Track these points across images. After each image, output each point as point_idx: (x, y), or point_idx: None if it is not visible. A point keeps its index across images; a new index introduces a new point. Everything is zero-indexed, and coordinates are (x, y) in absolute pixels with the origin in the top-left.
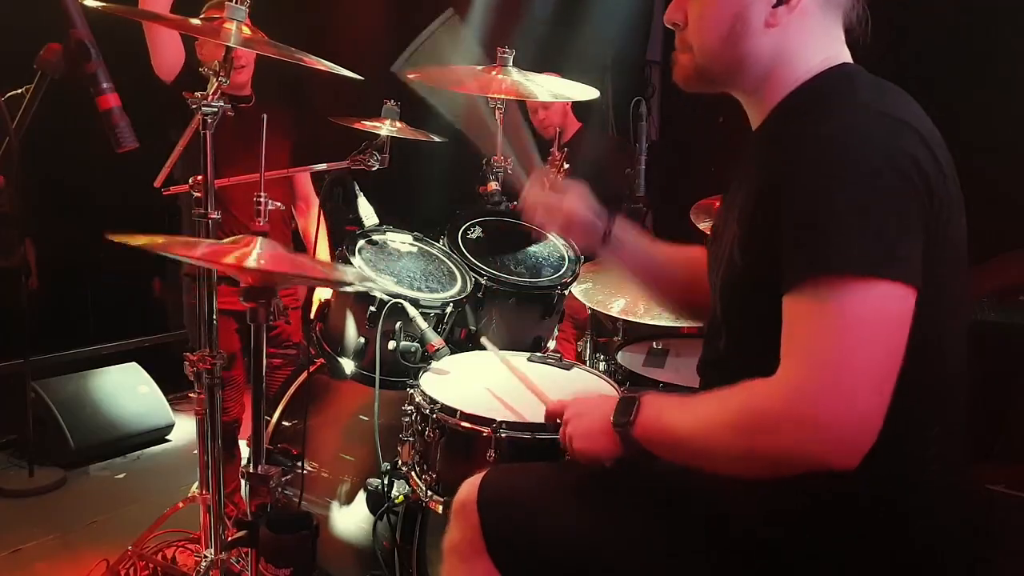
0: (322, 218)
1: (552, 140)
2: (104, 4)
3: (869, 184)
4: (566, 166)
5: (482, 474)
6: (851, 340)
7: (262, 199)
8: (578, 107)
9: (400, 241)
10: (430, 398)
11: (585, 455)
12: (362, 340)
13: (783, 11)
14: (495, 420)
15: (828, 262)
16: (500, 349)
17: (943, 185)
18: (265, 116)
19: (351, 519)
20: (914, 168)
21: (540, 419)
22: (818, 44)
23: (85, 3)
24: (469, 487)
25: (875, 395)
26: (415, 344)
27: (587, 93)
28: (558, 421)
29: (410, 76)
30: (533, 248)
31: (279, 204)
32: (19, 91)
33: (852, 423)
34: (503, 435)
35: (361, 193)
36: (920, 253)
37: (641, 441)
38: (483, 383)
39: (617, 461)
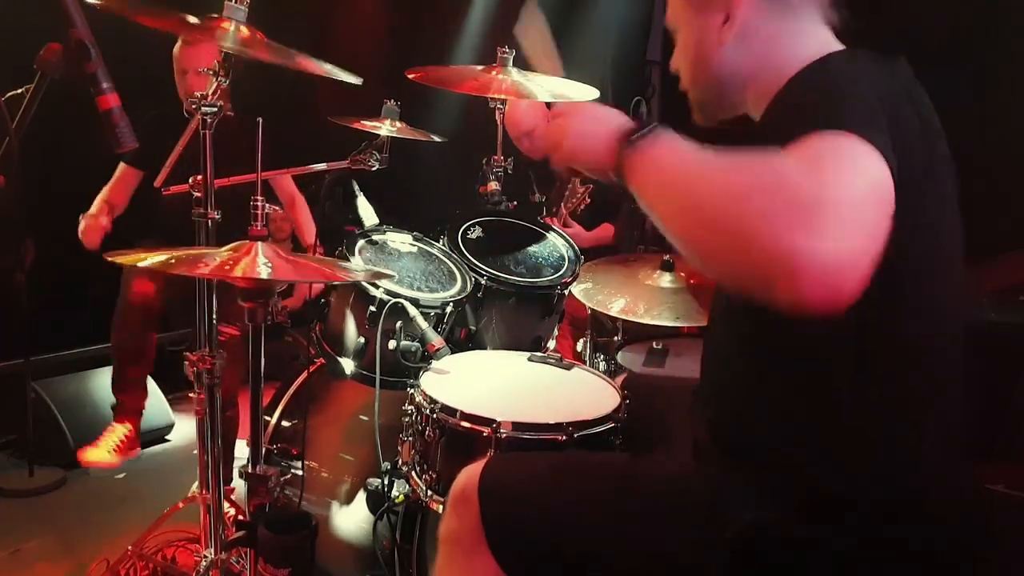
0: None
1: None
2: (104, 3)
3: (843, 95)
4: (588, 200)
5: (482, 462)
6: (852, 172)
7: (259, 203)
8: None
9: (400, 241)
10: (430, 398)
11: (573, 155)
12: (362, 340)
13: (727, 28)
14: (495, 420)
15: (814, 122)
16: (500, 349)
17: (924, 140)
18: (260, 120)
19: (351, 519)
20: (885, 104)
21: (540, 419)
22: (791, 48)
23: (86, 1)
24: (468, 475)
25: (870, 233)
26: (415, 344)
27: (587, 93)
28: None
29: (410, 76)
30: (533, 248)
31: (276, 207)
32: (19, 91)
33: (846, 237)
34: (503, 435)
35: (361, 193)
36: (894, 160)
37: (638, 164)
38: (483, 383)
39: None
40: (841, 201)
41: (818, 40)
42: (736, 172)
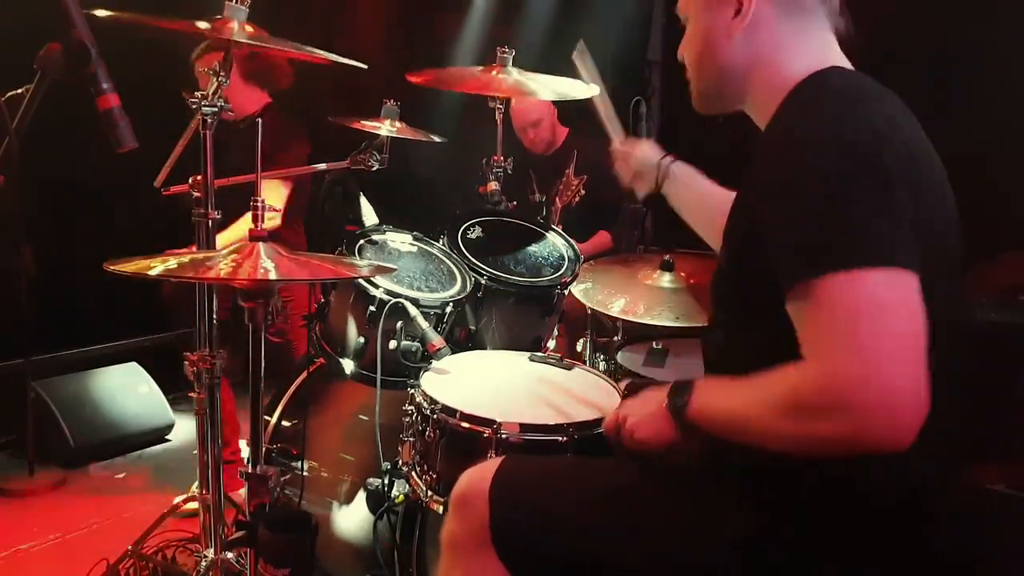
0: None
1: (543, 152)
2: (112, 14)
3: (840, 182)
4: (583, 192)
5: (489, 463)
6: (868, 323)
7: (259, 203)
8: (572, 110)
9: (400, 241)
10: (431, 398)
11: (646, 443)
12: (362, 340)
13: (736, 22)
14: (495, 420)
15: (822, 263)
16: (500, 349)
17: (910, 175)
18: (260, 120)
19: (351, 519)
20: (871, 162)
21: (541, 420)
22: (795, 51)
23: (95, 13)
24: (469, 478)
25: (909, 369)
26: (415, 344)
27: (588, 90)
28: (618, 428)
29: (410, 79)
30: (533, 248)
31: (275, 207)
32: (19, 91)
33: (895, 399)
34: (503, 435)
35: (361, 193)
36: (908, 234)
37: (695, 422)
38: (483, 383)
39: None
40: (883, 374)
41: (823, 47)
42: (772, 411)
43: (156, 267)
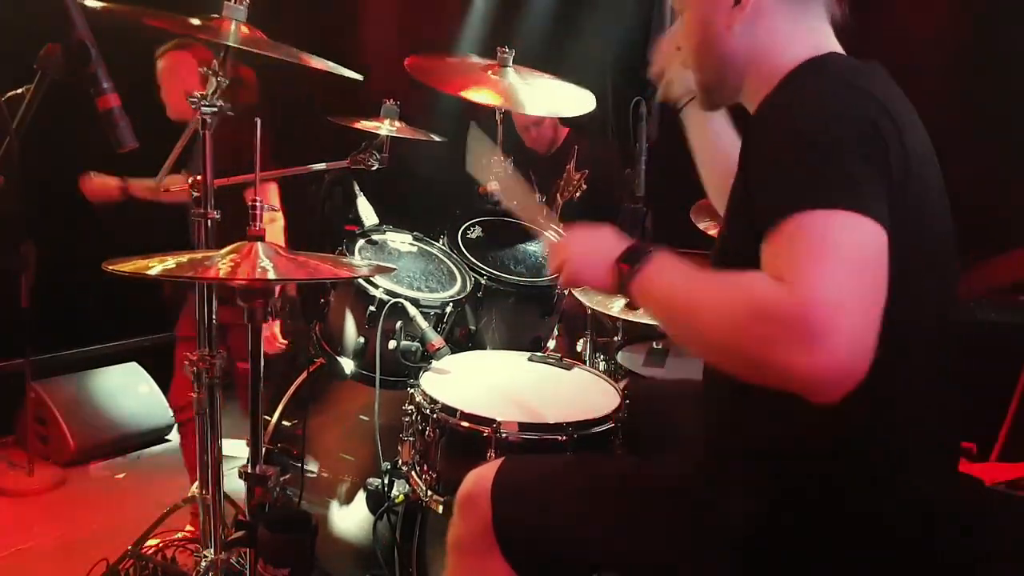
0: None
1: (544, 151)
2: (104, 4)
3: (828, 135)
4: (584, 187)
5: (492, 464)
6: (835, 262)
7: (257, 203)
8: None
9: (400, 241)
10: (430, 398)
11: (576, 278)
12: (362, 340)
13: (737, 11)
14: (495, 420)
15: (793, 201)
16: (500, 349)
17: (905, 161)
18: (258, 120)
19: (351, 519)
20: (872, 131)
21: (541, 420)
22: (791, 40)
23: (85, 3)
24: (473, 479)
25: (863, 320)
26: (415, 344)
27: (583, 105)
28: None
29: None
30: (533, 247)
31: (274, 207)
32: (19, 91)
33: (842, 340)
34: (503, 435)
35: (361, 193)
36: (883, 198)
37: (639, 289)
38: (483, 383)
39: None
40: (830, 302)
41: (820, 37)
42: (726, 303)
43: (155, 267)
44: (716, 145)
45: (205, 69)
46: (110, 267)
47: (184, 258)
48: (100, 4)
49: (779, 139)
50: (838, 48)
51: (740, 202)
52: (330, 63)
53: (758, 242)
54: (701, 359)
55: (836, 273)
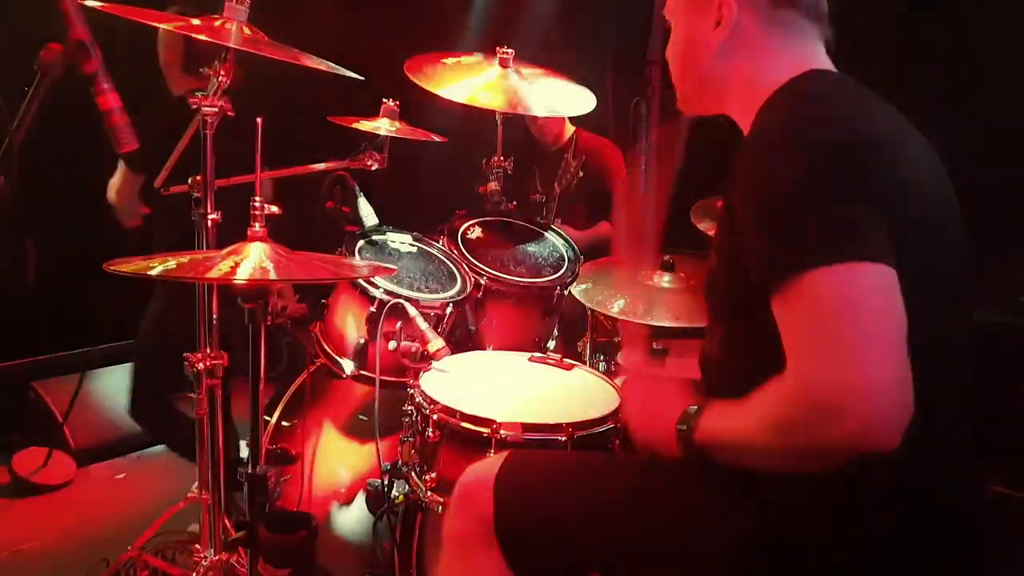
0: None
1: (550, 144)
2: (104, 4)
3: (804, 179)
4: (581, 174)
5: (493, 459)
6: (840, 320)
7: (257, 203)
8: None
9: (400, 241)
10: (430, 398)
11: (647, 446)
12: (362, 340)
13: (717, 32)
14: (495, 420)
15: (793, 263)
16: (500, 349)
17: (898, 178)
18: (260, 120)
19: (351, 519)
20: (844, 152)
21: (540, 420)
22: (775, 59)
23: (85, 3)
24: (472, 474)
25: (886, 363)
26: (415, 344)
27: (584, 104)
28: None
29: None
30: (533, 248)
31: (274, 207)
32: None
33: (873, 395)
34: (503, 435)
35: (361, 193)
36: (881, 227)
37: (700, 445)
38: (483, 383)
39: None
40: (854, 381)
41: (806, 51)
42: (770, 431)
43: (156, 267)
44: None
45: (205, 69)
46: (112, 268)
47: (184, 258)
48: (100, 4)
49: (765, 189)
50: (825, 63)
51: (727, 239)
52: (331, 63)
53: (745, 278)
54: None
55: (847, 336)
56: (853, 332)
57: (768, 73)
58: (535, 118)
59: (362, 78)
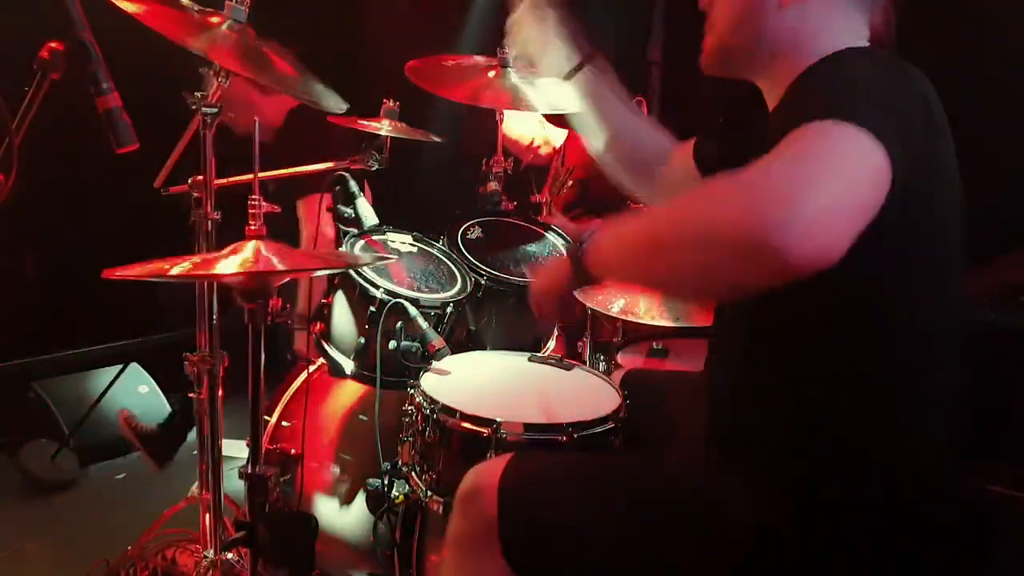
0: None
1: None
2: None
3: (862, 84)
4: (570, 183)
5: (496, 461)
6: (811, 164)
7: (256, 202)
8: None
9: (400, 241)
10: (430, 398)
11: (542, 291)
12: (362, 340)
13: None
14: (495, 420)
15: (814, 112)
16: (500, 349)
17: (931, 139)
18: (257, 120)
19: (351, 519)
20: (904, 103)
21: (541, 420)
22: (834, 30)
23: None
24: (478, 476)
25: (838, 213)
26: (415, 344)
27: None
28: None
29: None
30: (533, 248)
31: (275, 208)
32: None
33: (799, 197)
34: (503, 436)
35: (361, 193)
36: (898, 147)
37: (594, 261)
38: (483, 383)
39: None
40: (796, 176)
41: (857, 31)
42: (692, 200)
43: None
44: (624, 114)
45: (203, 69)
46: (117, 274)
47: (187, 261)
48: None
49: (811, 88)
50: (866, 42)
51: None
52: (315, 87)
53: None
54: (669, 281)
55: (812, 161)
56: (822, 173)
57: (821, 42)
58: (522, 154)
59: (346, 106)
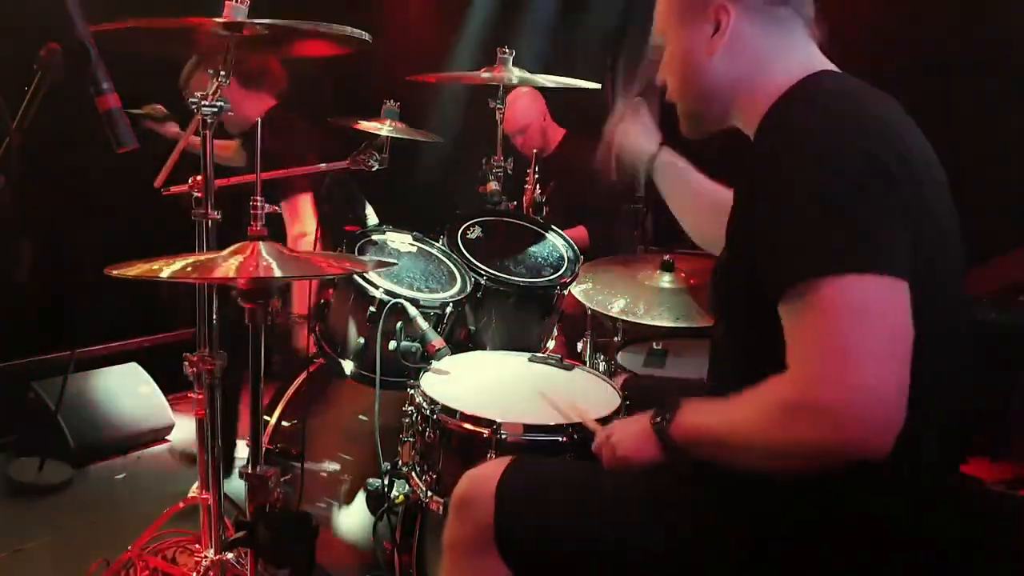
0: None
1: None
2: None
3: (832, 185)
4: (538, 190)
5: (492, 465)
6: (849, 326)
7: (258, 203)
8: (572, 113)
9: (400, 241)
10: (430, 398)
11: (628, 460)
12: (362, 340)
13: (716, 39)
14: (495, 421)
15: (807, 268)
16: (499, 349)
17: (910, 178)
18: (259, 120)
19: (351, 519)
20: (874, 164)
21: (540, 420)
22: (776, 61)
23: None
24: (474, 480)
25: (882, 373)
26: (415, 344)
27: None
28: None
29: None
30: (533, 248)
31: (276, 208)
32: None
33: (874, 401)
34: (503, 436)
35: (361, 193)
36: (904, 240)
37: (679, 440)
38: (483, 383)
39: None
40: (863, 375)
41: (806, 54)
42: (757, 423)
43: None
44: (697, 191)
45: (211, 70)
46: (115, 272)
47: (188, 260)
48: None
49: (788, 178)
50: (827, 64)
51: (734, 234)
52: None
53: (749, 276)
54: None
55: (865, 345)
56: (860, 338)
57: (773, 75)
58: (513, 136)
59: (368, 36)
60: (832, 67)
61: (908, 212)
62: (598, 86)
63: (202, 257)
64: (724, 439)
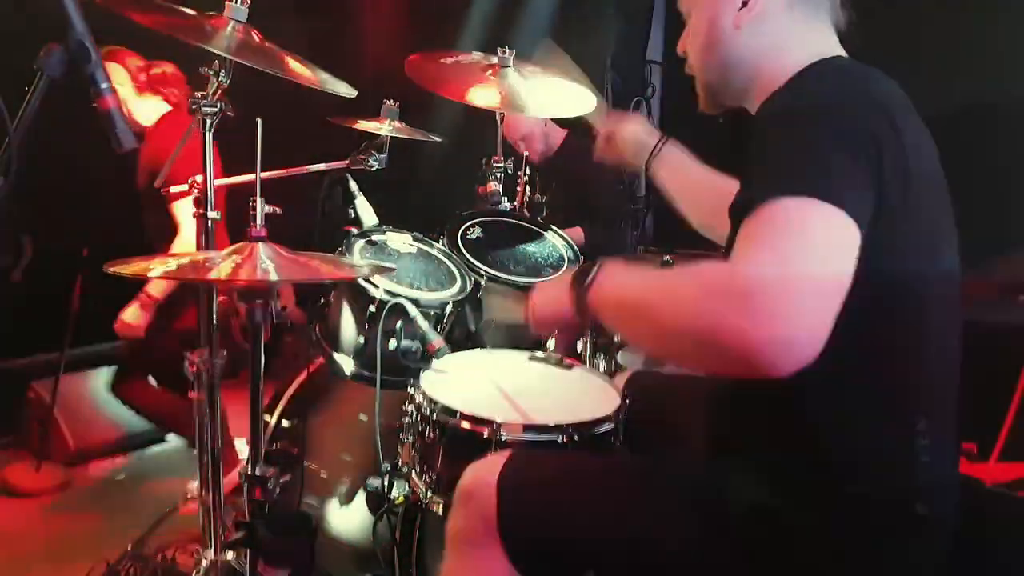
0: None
1: (535, 161)
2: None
3: (818, 130)
4: (528, 192)
5: (495, 457)
6: (791, 241)
7: (258, 203)
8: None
9: (400, 241)
10: (430, 398)
11: (544, 319)
12: (362, 340)
13: (744, 12)
14: (495, 420)
15: (777, 186)
16: (499, 349)
17: (894, 160)
18: (260, 120)
19: (351, 519)
20: (866, 133)
21: (541, 420)
22: (798, 42)
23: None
24: (477, 472)
25: (815, 302)
26: (415, 344)
27: (583, 105)
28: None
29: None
30: (533, 248)
31: (277, 208)
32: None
33: (783, 305)
34: (503, 436)
35: (361, 193)
36: (866, 200)
37: (594, 302)
38: (483, 383)
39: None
40: (776, 279)
41: (827, 38)
42: (677, 288)
43: (156, 268)
44: (699, 188)
45: (205, 70)
46: (112, 269)
47: (184, 259)
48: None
49: (774, 134)
50: (843, 52)
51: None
52: (322, 74)
53: None
54: (652, 352)
55: (790, 255)
56: (800, 253)
57: (792, 54)
58: (516, 143)
59: (353, 93)
60: (845, 55)
61: (884, 185)
62: (593, 104)
63: (199, 257)
64: (640, 305)
